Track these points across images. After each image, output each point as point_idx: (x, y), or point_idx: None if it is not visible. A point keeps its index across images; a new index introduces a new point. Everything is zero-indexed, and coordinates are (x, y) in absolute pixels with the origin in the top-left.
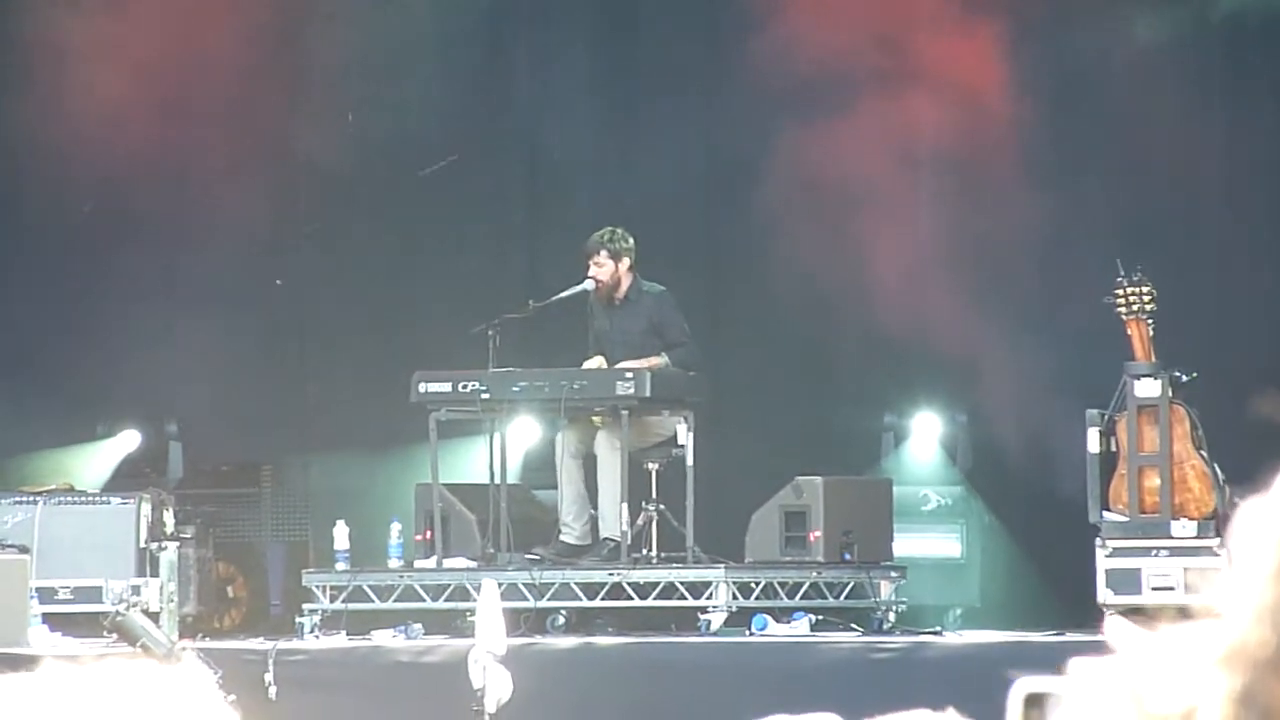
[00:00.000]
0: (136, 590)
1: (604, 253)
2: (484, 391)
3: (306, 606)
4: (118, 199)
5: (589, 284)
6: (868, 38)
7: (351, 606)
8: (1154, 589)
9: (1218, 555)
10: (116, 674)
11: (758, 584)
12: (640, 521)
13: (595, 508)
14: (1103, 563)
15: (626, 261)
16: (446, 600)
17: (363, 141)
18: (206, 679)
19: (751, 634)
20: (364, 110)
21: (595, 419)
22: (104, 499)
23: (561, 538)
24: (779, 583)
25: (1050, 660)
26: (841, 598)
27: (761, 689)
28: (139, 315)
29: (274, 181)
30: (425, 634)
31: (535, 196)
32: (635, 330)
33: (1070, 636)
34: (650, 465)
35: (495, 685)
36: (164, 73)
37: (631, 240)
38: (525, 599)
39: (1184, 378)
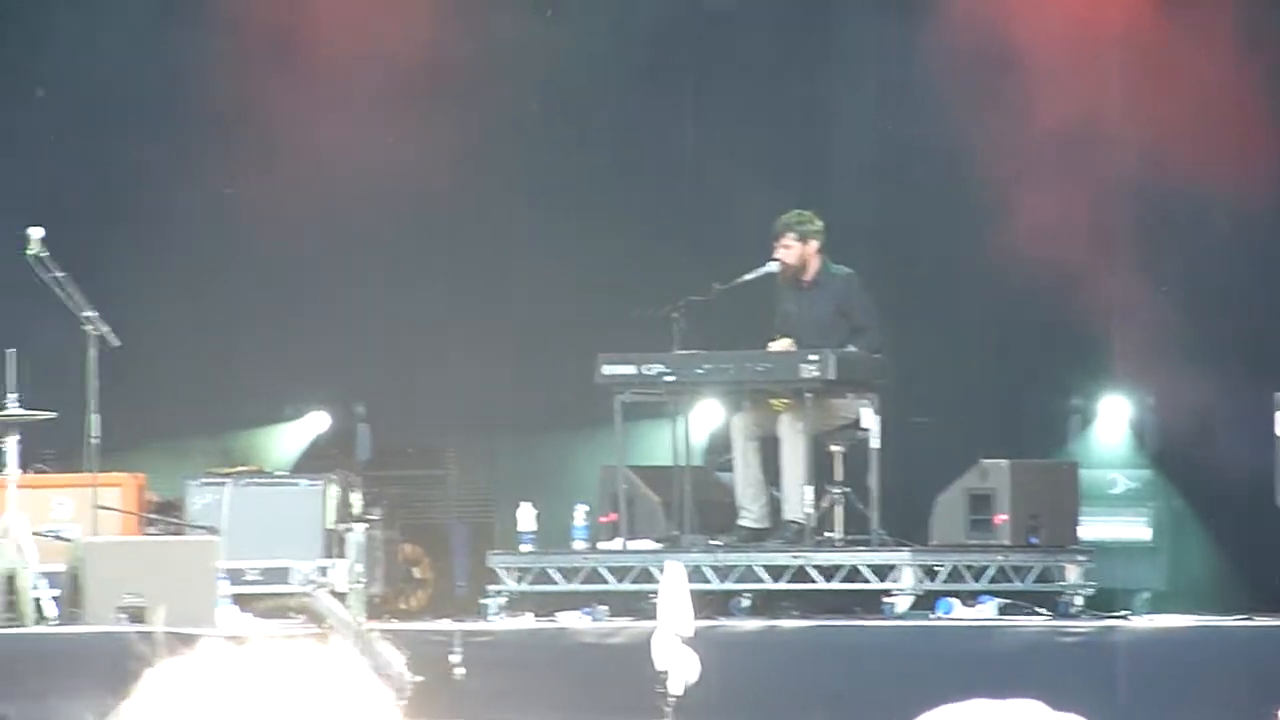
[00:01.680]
0: (324, 571)
1: (791, 235)
2: (669, 374)
3: (491, 588)
4: (307, 185)
5: (773, 266)
6: (1052, 18)
7: (536, 588)
8: None
9: None
10: (295, 654)
11: (943, 567)
12: (824, 504)
13: (774, 490)
14: None
15: (815, 244)
16: (631, 582)
17: (544, 123)
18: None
19: (936, 617)
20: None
21: (775, 402)
22: (292, 480)
23: (739, 521)
24: (964, 566)
25: (1239, 646)
26: (1028, 581)
27: (949, 673)
28: (328, 298)
29: (457, 172)
30: (610, 616)
31: (715, 179)
32: (823, 313)
33: (1259, 621)
34: (833, 448)
35: (682, 667)
36: (351, 69)
37: (820, 223)
38: (708, 581)
39: None
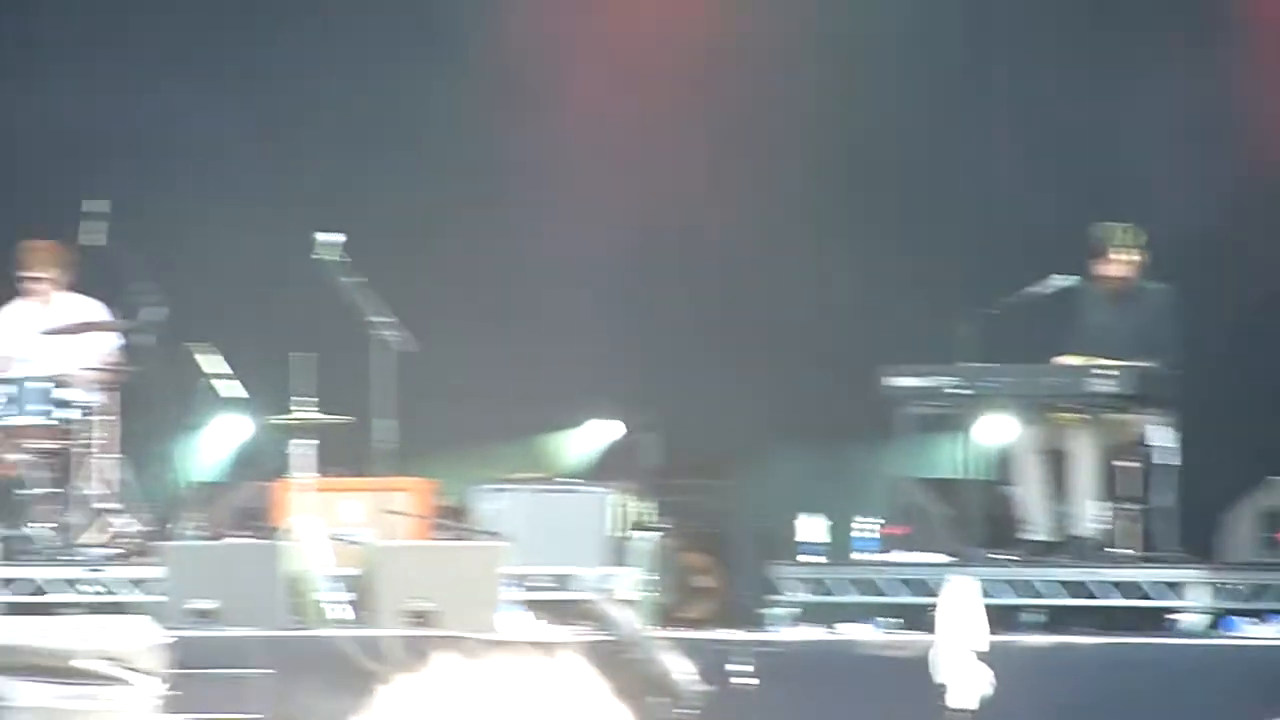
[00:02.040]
0: (609, 579)
1: (1128, 248)
2: (959, 387)
3: (775, 598)
4: (602, 191)
5: (1066, 280)
6: None
7: (820, 599)
8: None
9: None
10: (578, 660)
11: (1232, 585)
12: (1113, 520)
13: (1059, 505)
14: None
15: (1139, 256)
16: (916, 595)
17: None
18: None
19: (1227, 635)
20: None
21: (1064, 416)
22: (581, 487)
23: (1024, 535)
24: (1256, 584)
25: None
26: None
27: (1242, 693)
28: (619, 306)
29: (745, 179)
30: (895, 629)
31: (1004, 185)
32: (1137, 326)
33: None
34: (1123, 464)
35: (973, 682)
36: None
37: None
38: (995, 596)
39: None
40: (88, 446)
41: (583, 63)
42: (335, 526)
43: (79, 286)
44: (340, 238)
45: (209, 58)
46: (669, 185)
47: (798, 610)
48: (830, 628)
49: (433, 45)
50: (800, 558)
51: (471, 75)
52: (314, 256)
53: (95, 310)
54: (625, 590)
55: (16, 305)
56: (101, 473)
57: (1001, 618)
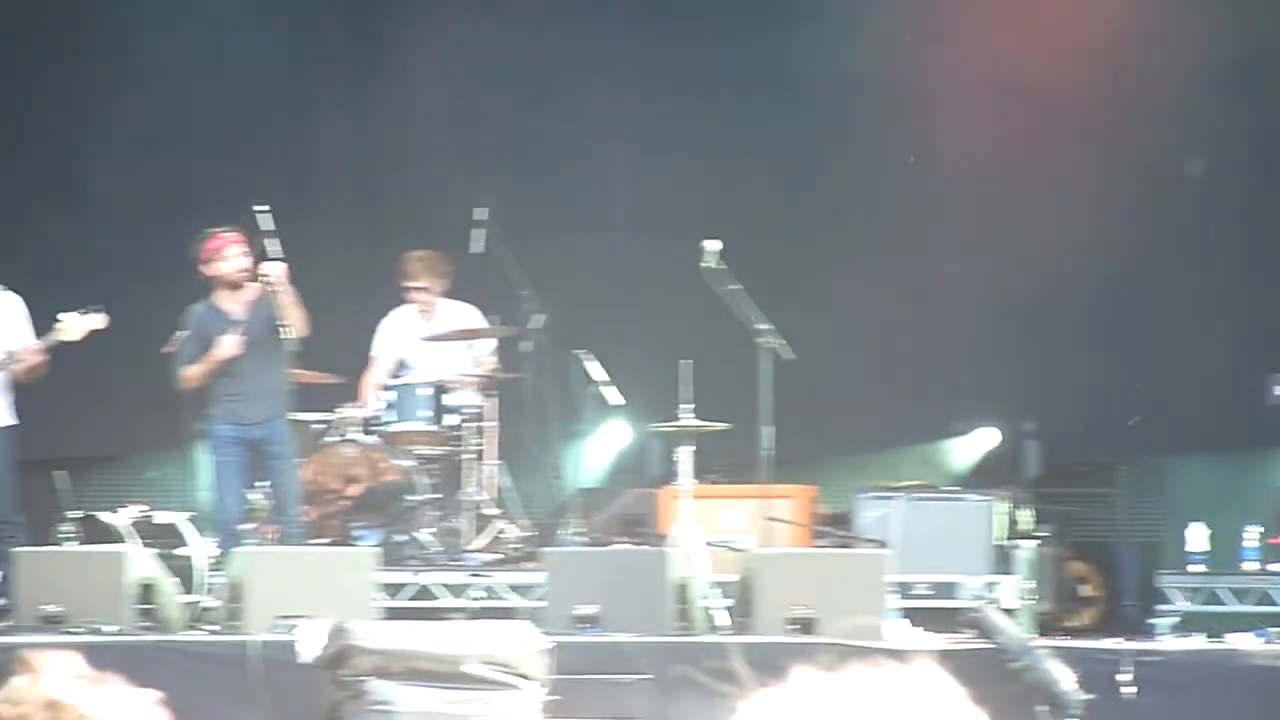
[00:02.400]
0: (992, 587)
1: None
2: None
3: (1161, 608)
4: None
5: None
6: None
7: (1206, 609)
8: None
9: None
10: (948, 668)
11: None
12: None
13: None
14: None
15: None
16: None
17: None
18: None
19: None
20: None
21: None
22: (962, 496)
23: None
24: None
25: None
26: None
27: None
28: (998, 314)
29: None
30: None
31: None
32: None
33: None
34: None
35: None
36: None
37: None
38: None
39: None
40: (471, 452)
41: (959, 77)
42: (716, 533)
43: (463, 294)
44: (718, 245)
45: (587, 66)
46: (1047, 193)
47: (1180, 619)
48: (1217, 638)
49: (812, 61)
50: (1192, 568)
51: (849, 88)
52: (702, 265)
53: (475, 317)
54: (1008, 599)
55: (399, 313)
56: (484, 478)
57: None
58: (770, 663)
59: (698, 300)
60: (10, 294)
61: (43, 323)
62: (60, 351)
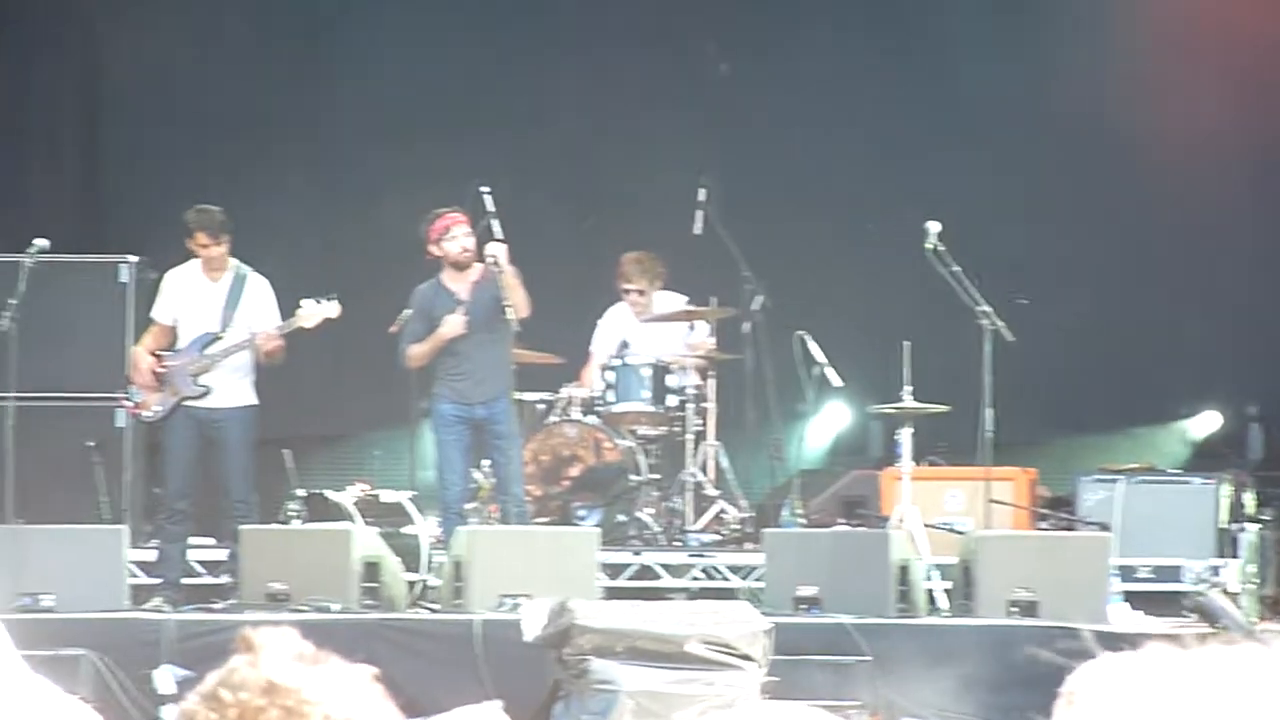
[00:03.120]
0: (1215, 571)
1: None
2: None
3: None
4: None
5: None
6: None
7: None
8: None
9: None
10: (1215, 657)
11: None
12: None
13: None
14: None
15: None
16: None
17: None
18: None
19: None
20: None
21: None
22: (1184, 479)
23: None
24: None
25: None
26: None
27: None
28: (1220, 298)
29: None
30: None
31: None
32: None
33: None
34: None
35: None
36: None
37: None
38: None
39: None
40: (691, 433)
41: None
42: (937, 515)
43: (684, 275)
44: (939, 226)
45: (811, 47)
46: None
47: None
48: None
49: (1045, 44)
50: None
51: (1079, 74)
52: (924, 245)
53: (683, 301)
54: (1231, 583)
55: (616, 311)
56: (705, 459)
57: None
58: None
59: (919, 281)
60: (259, 277)
61: (287, 308)
62: (297, 336)
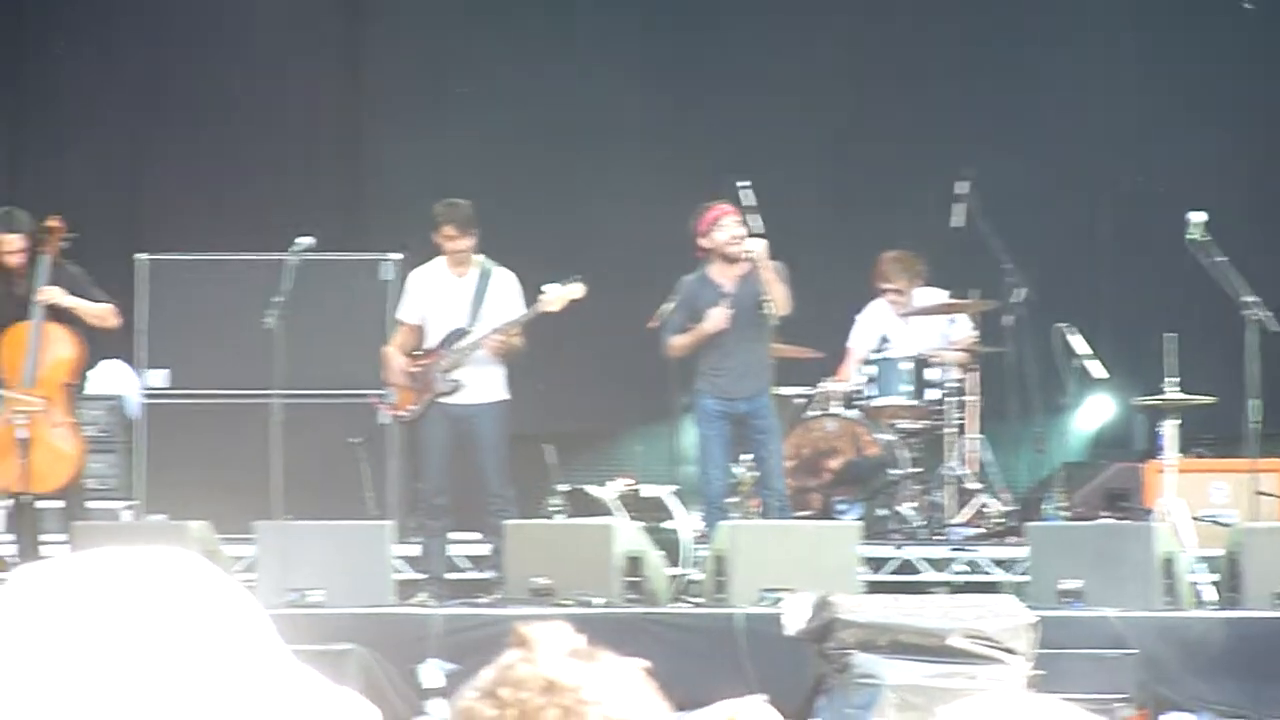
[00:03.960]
0: None
1: None
2: None
3: None
4: None
5: None
6: None
7: None
8: None
9: None
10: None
11: None
12: None
13: None
14: None
15: None
16: None
17: None
18: None
19: None
20: None
21: None
22: None
23: None
24: None
25: None
26: None
27: None
28: None
29: None
30: None
31: None
32: None
33: None
34: None
35: None
36: None
37: None
38: None
39: None
40: (952, 426)
41: None
42: (1202, 507)
43: (944, 268)
44: (1203, 216)
45: (1068, 41)
46: None
47: None
48: None
49: None
50: None
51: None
52: (1187, 236)
53: (943, 296)
54: None
55: (875, 307)
56: (966, 452)
57: None
58: None
59: (1182, 272)
60: (504, 271)
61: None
62: (548, 326)
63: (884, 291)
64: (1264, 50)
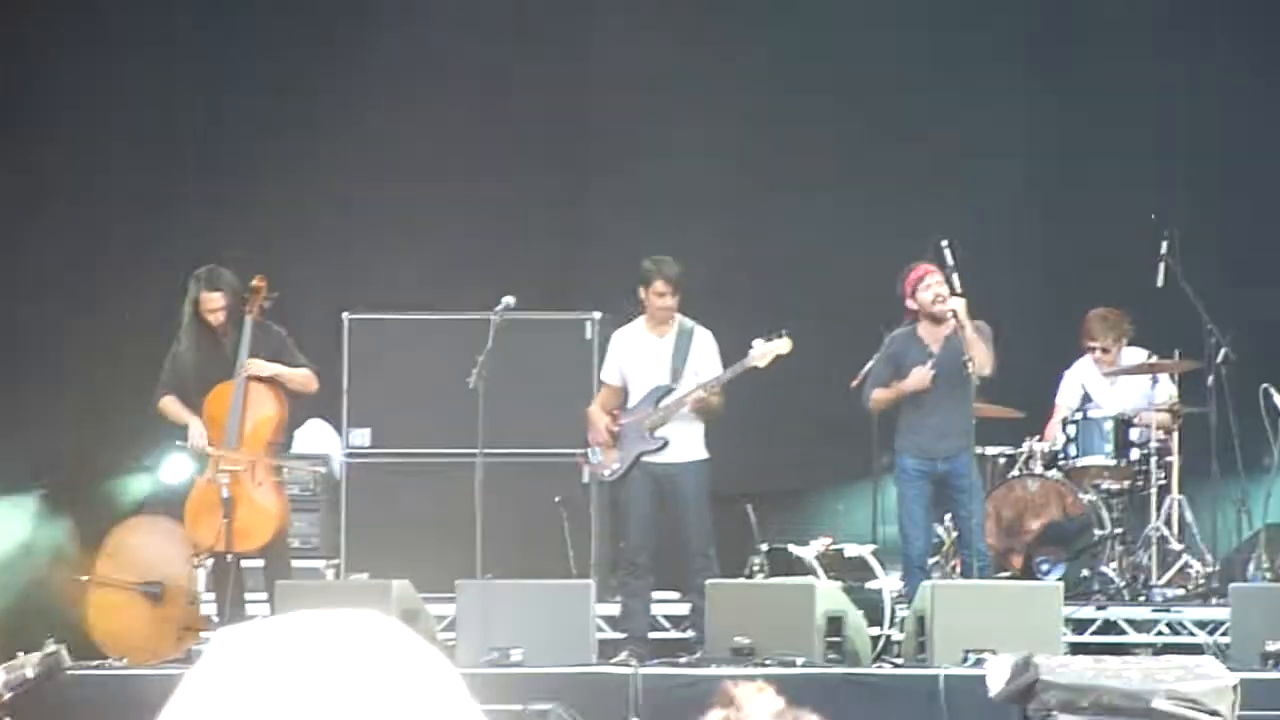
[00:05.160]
0: None
1: None
2: None
3: None
4: None
5: None
6: None
7: None
8: None
9: None
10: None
11: None
12: None
13: None
14: None
15: None
16: None
17: None
18: None
19: None
20: None
21: None
22: None
23: None
24: None
25: None
26: None
27: None
28: None
29: None
30: None
31: None
32: None
33: None
34: None
35: None
36: None
37: None
38: None
39: None
40: (1154, 486)
41: None
42: None
43: (1146, 328)
44: None
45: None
46: None
47: None
48: None
49: None
50: None
51: None
52: None
53: (1147, 356)
54: None
55: (1081, 364)
56: (1169, 513)
57: None
58: None
59: None
60: (704, 330)
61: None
62: (749, 384)
63: (1090, 349)
64: None
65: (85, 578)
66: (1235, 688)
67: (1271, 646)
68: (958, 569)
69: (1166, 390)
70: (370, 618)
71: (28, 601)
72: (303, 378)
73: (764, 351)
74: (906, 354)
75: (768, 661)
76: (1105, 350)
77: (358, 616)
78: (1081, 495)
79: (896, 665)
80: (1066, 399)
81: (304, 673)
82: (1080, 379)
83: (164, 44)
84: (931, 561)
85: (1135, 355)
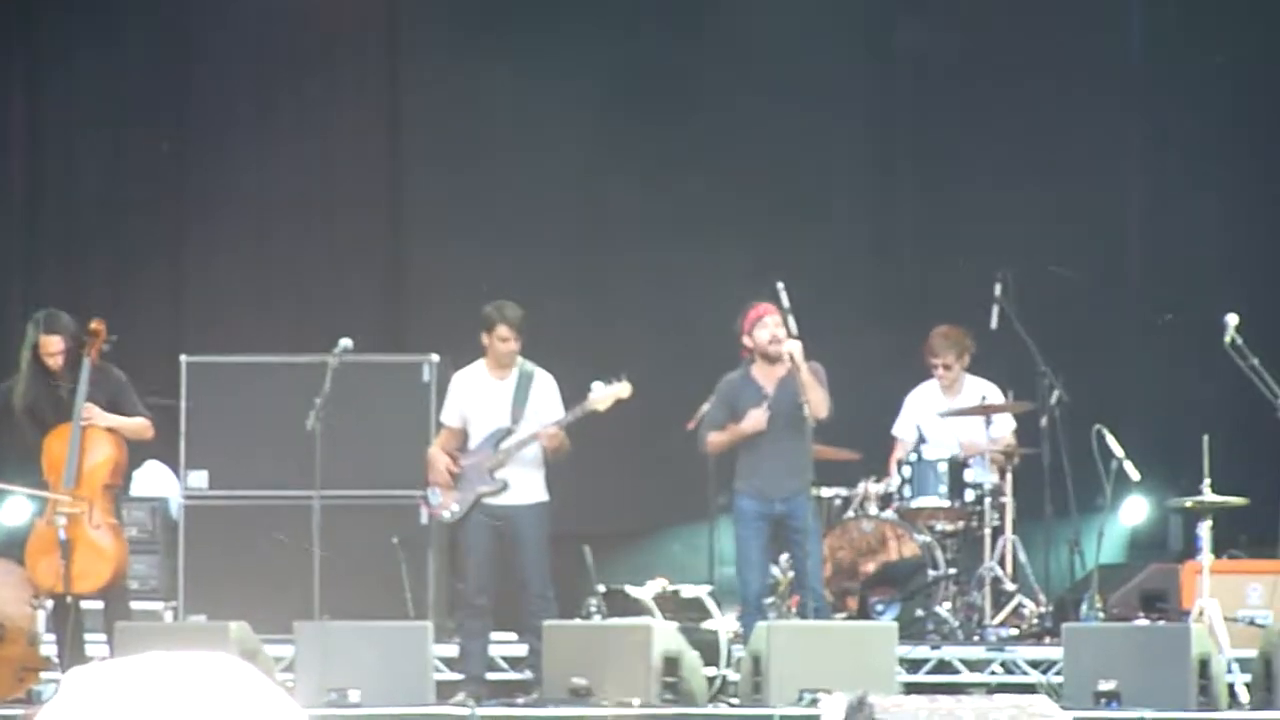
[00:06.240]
0: None
1: None
2: None
3: None
4: None
5: None
6: None
7: None
8: None
9: None
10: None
11: None
12: None
13: None
14: None
15: None
16: None
17: None
18: None
19: None
20: None
21: None
22: None
23: None
24: None
25: None
26: None
27: None
28: None
29: None
30: None
31: None
32: None
33: None
34: None
35: None
36: None
37: None
38: None
39: None
40: (988, 527)
41: None
42: (1237, 609)
43: (980, 370)
44: (1236, 319)
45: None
46: None
47: None
48: None
49: None
50: None
51: None
52: (1226, 340)
53: (995, 394)
54: None
55: (923, 388)
56: (1002, 553)
57: None
58: None
59: (1217, 374)
60: (544, 373)
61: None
62: (586, 426)
63: (932, 367)
64: None
65: None
66: None
67: (1104, 686)
68: (793, 609)
69: (1005, 428)
70: (220, 660)
71: None
72: (137, 427)
73: (604, 395)
74: (741, 396)
75: (605, 702)
76: (947, 367)
77: (208, 658)
78: (916, 536)
79: (733, 705)
80: (903, 431)
81: (155, 714)
82: (916, 417)
83: None
84: (768, 602)
85: (975, 385)
